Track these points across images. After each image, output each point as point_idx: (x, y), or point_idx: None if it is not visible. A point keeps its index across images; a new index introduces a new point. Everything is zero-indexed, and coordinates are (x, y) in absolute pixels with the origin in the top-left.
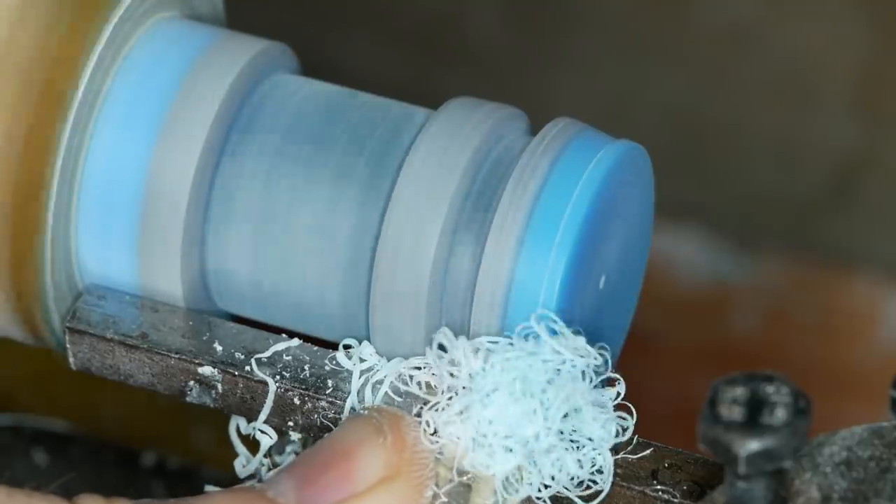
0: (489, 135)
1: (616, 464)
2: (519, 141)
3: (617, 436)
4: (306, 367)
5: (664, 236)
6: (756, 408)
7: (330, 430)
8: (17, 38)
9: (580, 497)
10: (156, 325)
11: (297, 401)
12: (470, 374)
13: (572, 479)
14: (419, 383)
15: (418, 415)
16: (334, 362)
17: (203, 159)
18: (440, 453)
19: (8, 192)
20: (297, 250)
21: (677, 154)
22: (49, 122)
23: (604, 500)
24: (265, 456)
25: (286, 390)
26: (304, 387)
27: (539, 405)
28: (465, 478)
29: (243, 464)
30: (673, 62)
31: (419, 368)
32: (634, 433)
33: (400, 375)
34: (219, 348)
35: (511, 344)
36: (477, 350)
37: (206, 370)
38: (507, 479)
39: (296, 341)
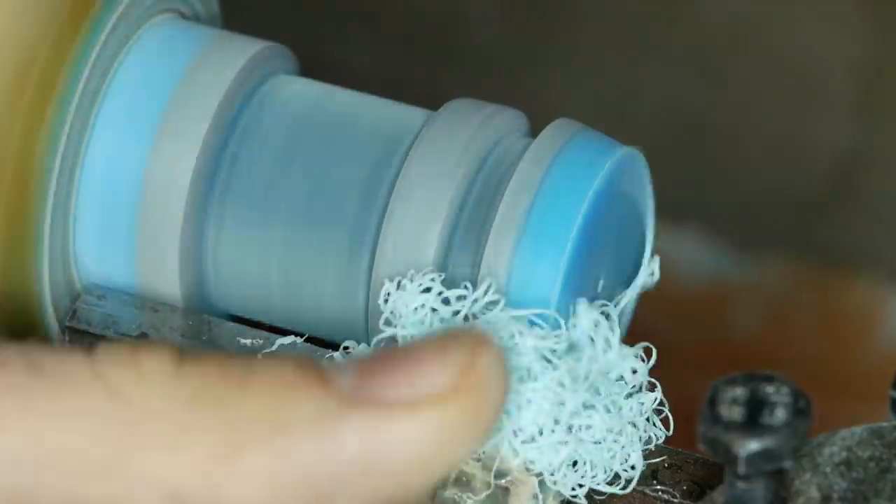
0: (489, 136)
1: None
2: (519, 142)
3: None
4: None
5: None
6: (756, 408)
7: None
8: (13, 38)
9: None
10: (155, 325)
11: None
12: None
13: (608, 473)
14: None
15: None
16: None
17: (202, 160)
18: (481, 454)
19: (5, 193)
20: (297, 250)
21: (677, 154)
22: (47, 122)
23: (606, 498)
24: None
25: None
26: None
27: (566, 374)
28: (503, 481)
29: None
30: (673, 62)
31: None
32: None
33: None
34: (219, 348)
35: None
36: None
37: None
38: (543, 482)
39: (296, 341)
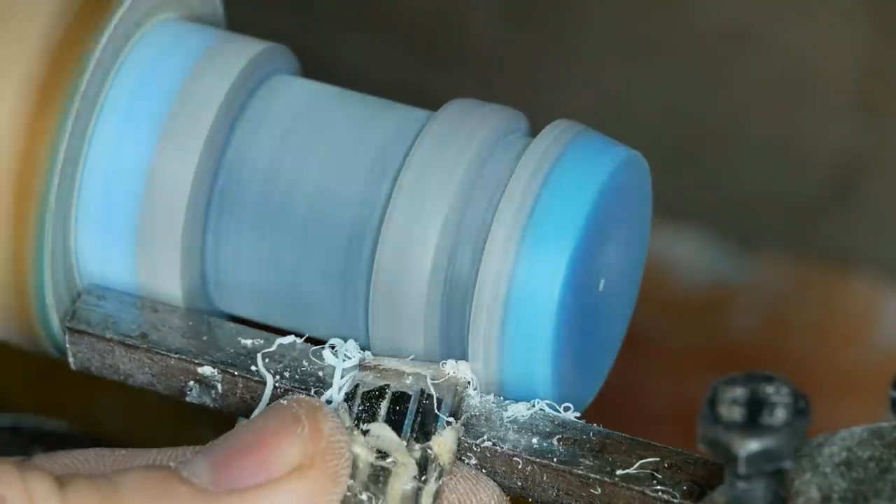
0: (489, 136)
1: (615, 463)
2: (519, 142)
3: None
4: (306, 367)
5: (664, 236)
6: (756, 408)
7: None
8: (17, 39)
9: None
10: (156, 325)
11: None
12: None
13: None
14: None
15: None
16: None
17: (203, 160)
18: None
19: (7, 193)
20: (297, 251)
21: (677, 154)
22: (49, 123)
23: (606, 498)
24: None
25: (286, 390)
26: (304, 387)
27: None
28: (385, 462)
29: None
30: (673, 62)
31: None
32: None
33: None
34: (219, 348)
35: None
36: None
37: (206, 370)
38: (425, 461)
39: (296, 341)
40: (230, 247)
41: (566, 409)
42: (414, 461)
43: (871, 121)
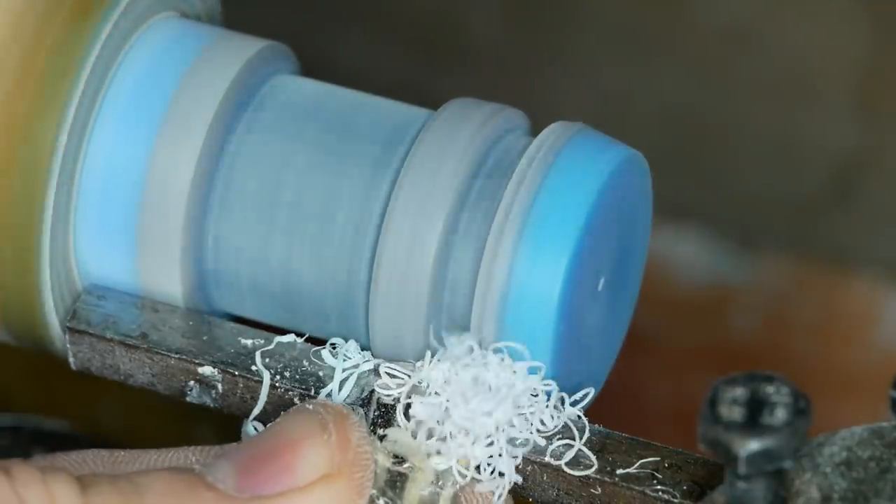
0: (489, 136)
1: (615, 463)
2: (520, 141)
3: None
4: (306, 367)
5: (664, 236)
6: (756, 408)
7: None
8: (15, 39)
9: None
10: (156, 325)
11: (297, 400)
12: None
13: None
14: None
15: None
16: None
17: (202, 160)
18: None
19: (6, 193)
20: (297, 251)
21: (677, 154)
22: (48, 122)
23: (606, 498)
24: None
25: (286, 390)
26: (304, 387)
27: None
28: (402, 467)
29: None
30: (673, 62)
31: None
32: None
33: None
34: (219, 348)
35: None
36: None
37: (206, 370)
38: (442, 470)
39: (296, 340)
40: (230, 246)
41: (573, 403)
42: (431, 466)
43: (871, 121)
